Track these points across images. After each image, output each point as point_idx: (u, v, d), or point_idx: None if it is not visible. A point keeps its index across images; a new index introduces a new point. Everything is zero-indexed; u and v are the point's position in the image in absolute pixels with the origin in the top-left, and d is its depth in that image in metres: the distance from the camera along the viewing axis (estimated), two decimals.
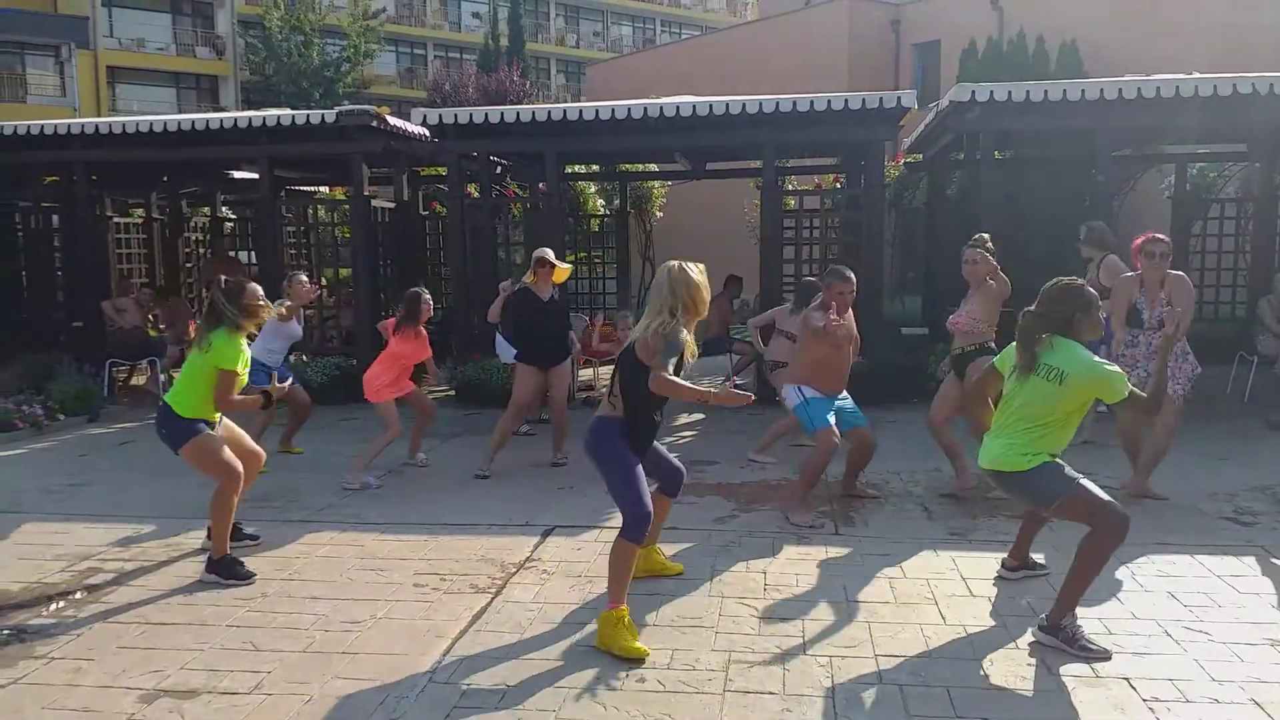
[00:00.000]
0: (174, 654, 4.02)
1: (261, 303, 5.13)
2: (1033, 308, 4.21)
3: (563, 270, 7.18)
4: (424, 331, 7.24)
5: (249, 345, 5.28)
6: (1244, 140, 11.56)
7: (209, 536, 5.11)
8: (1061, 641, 3.93)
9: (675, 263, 4.23)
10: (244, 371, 5.07)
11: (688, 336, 4.21)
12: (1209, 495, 6.21)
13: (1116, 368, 4.08)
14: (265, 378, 7.31)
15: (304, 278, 7.78)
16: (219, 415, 5.13)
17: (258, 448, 5.41)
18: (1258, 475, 6.59)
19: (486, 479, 7.02)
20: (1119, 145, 10.57)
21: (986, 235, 6.33)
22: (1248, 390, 9.51)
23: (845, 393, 6.26)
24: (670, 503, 4.81)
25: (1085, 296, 4.14)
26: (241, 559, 5.04)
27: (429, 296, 7.27)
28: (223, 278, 5.22)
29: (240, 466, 5.06)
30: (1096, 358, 4.10)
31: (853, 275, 6.23)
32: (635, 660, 3.88)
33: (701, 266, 4.23)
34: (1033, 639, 4.04)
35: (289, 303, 7.22)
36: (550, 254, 7.34)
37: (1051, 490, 4.10)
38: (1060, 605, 3.98)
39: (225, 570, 4.91)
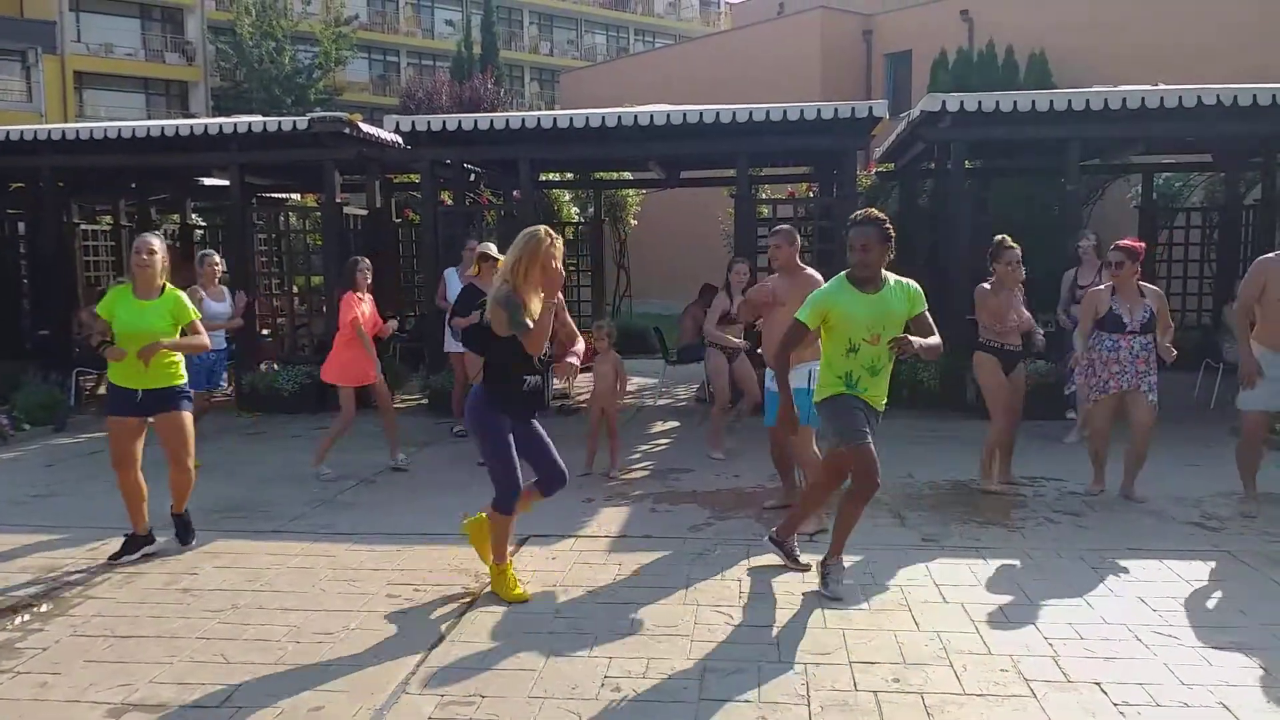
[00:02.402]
0: (143, 667, 3.96)
1: (139, 255, 5.24)
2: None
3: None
4: (369, 300, 7.46)
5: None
6: (1209, 150, 11.75)
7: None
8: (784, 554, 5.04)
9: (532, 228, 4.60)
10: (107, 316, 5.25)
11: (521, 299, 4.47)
12: (1176, 501, 6.29)
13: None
14: (200, 365, 7.48)
15: (216, 258, 8.07)
16: (134, 385, 5.27)
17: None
18: (1224, 481, 6.67)
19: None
20: (1087, 155, 10.71)
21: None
22: (1214, 397, 9.65)
23: (800, 373, 6.11)
24: (539, 498, 4.88)
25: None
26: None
27: (366, 262, 7.54)
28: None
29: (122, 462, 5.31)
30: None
31: (783, 228, 6.30)
32: (518, 602, 4.61)
33: (555, 238, 4.55)
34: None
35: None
36: (493, 249, 7.52)
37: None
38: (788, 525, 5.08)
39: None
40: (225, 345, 8.05)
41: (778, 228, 6.40)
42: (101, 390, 11.66)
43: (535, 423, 4.81)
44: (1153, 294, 6.32)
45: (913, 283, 4.70)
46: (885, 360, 4.58)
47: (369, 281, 7.50)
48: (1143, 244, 6.59)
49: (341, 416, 7.31)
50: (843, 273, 4.66)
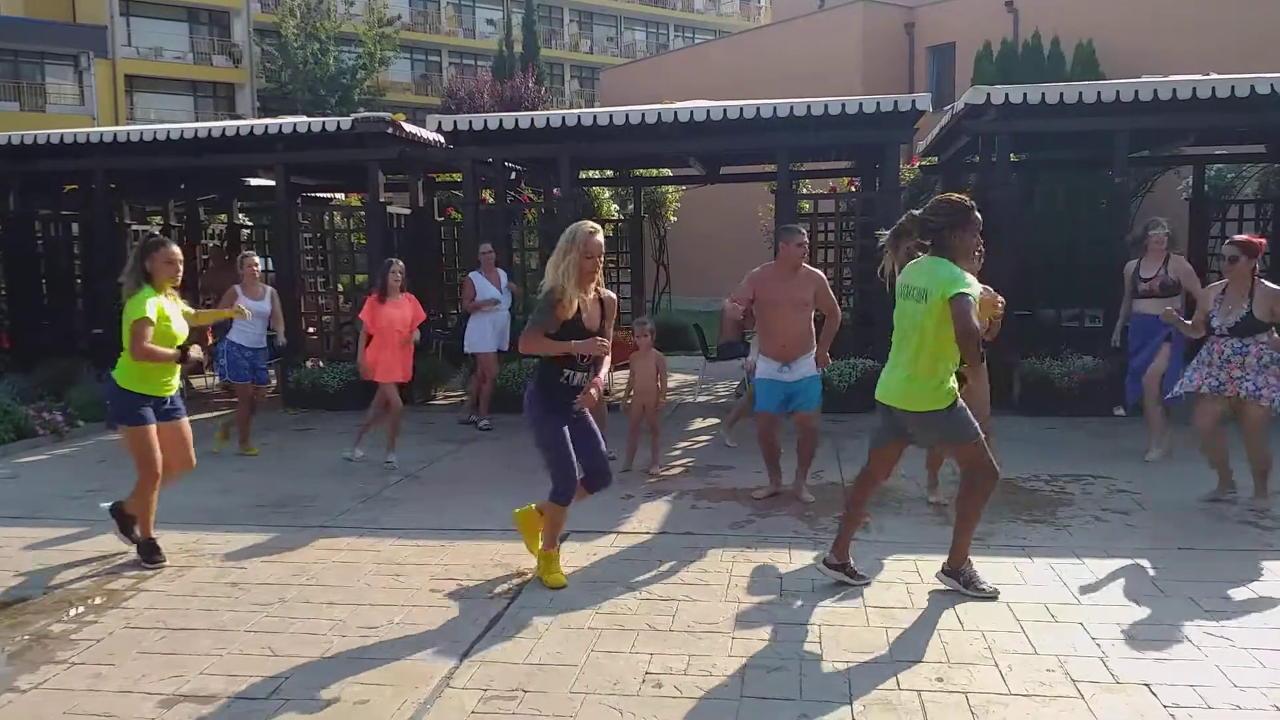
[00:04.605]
0: (193, 659, 4.04)
1: (168, 263, 5.23)
2: (916, 210, 4.47)
3: None
4: (402, 300, 7.76)
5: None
6: (1262, 140, 11.47)
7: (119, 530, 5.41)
8: (960, 584, 4.55)
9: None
10: (154, 317, 5.11)
11: (565, 297, 4.57)
12: (1229, 500, 6.15)
13: (973, 289, 4.20)
14: (244, 359, 7.93)
15: (256, 258, 8.33)
16: (169, 392, 5.32)
17: (192, 457, 5.55)
18: (1276, 479, 6.52)
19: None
20: (1136, 147, 10.50)
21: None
22: None
23: (805, 366, 6.20)
24: (584, 494, 4.94)
25: (963, 213, 4.32)
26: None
27: (399, 265, 7.82)
28: (150, 233, 5.53)
29: (160, 469, 5.28)
30: (957, 274, 4.23)
31: (803, 230, 6.41)
32: (556, 587, 4.75)
33: (592, 227, 4.70)
34: (937, 584, 4.64)
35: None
36: None
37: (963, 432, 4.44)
38: (956, 554, 4.61)
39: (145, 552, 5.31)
40: (265, 344, 8.20)
41: (797, 226, 6.50)
42: None
43: (590, 420, 4.91)
44: (1263, 295, 5.83)
45: None
46: None
47: (399, 283, 7.75)
48: (1262, 240, 6.18)
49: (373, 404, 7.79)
50: (950, 263, 4.33)
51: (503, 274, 9.64)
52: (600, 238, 4.70)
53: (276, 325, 8.37)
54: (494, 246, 10.42)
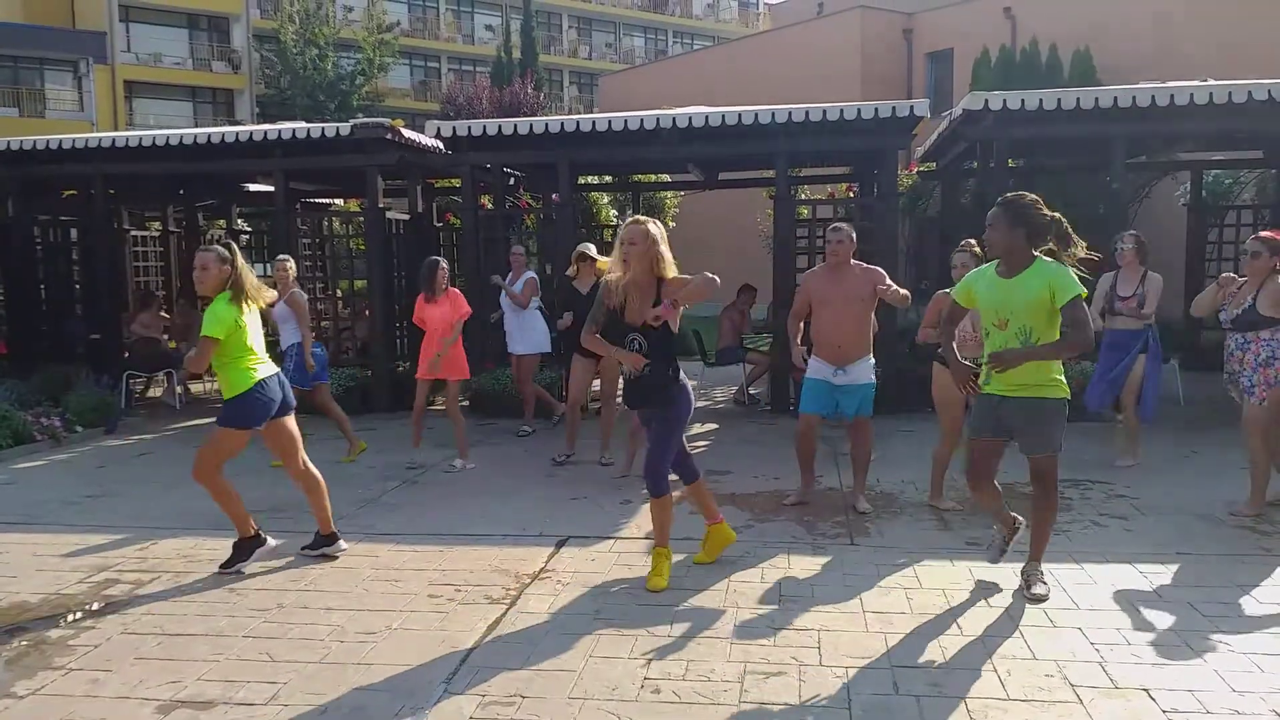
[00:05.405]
0: (191, 665, 4.04)
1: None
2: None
3: (604, 263, 7.35)
4: (449, 299, 7.64)
5: None
6: (1259, 146, 11.51)
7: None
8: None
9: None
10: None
11: (613, 293, 4.76)
12: (1228, 505, 6.16)
13: (956, 291, 4.76)
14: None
15: (290, 263, 8.14)
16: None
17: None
18: (1275, 484, 6.53)
19: (609, 465, 7.56)
20: (1134, 153, 10.54)
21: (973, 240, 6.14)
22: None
23: (860, 370, 6.06)
24: (693, 485, 5.24)
25: None
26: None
27: (444, 263, 7.74)
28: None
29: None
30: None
31: (845, 227, 6.19)
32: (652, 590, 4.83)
33: (636, 218, 4.83)
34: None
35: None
36: (591, 249, 7.72)
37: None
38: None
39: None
40: (289, 343, 7.97)
41: (841, 224, 6.33)
42: (151, 393, 11.91)
43: (666, 418, 4.94)
44: (1271, 289, 5.75)
45: (1064, 269, 4.34)
46: (1015, 346, 4.40)
47: (443, 281, 7.66)
48: None
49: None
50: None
51: (529, 274, 9.42)
52: (642, 229, 4.72)
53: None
54: (493, 252, 10.45)
